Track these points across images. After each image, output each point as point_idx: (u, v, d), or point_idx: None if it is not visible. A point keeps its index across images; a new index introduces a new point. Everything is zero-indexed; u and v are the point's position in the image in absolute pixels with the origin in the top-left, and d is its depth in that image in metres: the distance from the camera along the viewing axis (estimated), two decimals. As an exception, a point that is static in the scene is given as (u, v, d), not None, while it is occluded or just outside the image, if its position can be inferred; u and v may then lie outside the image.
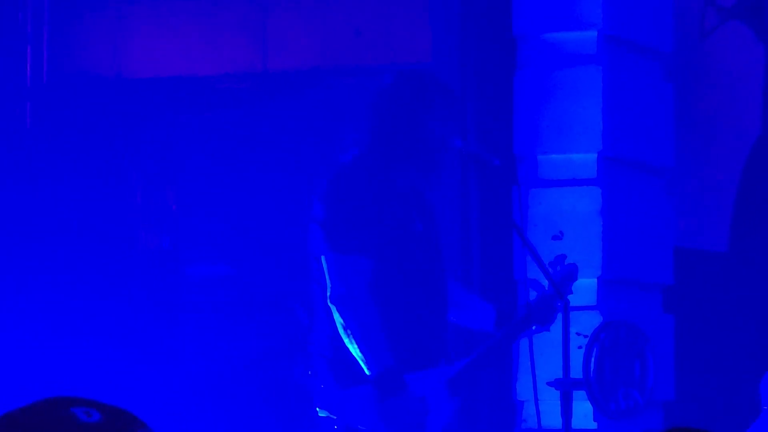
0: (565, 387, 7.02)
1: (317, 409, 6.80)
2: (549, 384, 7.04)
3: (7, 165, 8.35)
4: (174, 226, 8.38)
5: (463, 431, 7.21)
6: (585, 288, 7.33)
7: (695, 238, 8.70)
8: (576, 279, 7.06)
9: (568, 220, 8.04)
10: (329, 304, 6.72)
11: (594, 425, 7.76)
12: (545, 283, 6.95)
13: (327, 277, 6.74)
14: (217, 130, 8.49)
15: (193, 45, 8.80)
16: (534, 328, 6.97)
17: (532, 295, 7.05)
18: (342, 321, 6.66)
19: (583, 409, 7.30)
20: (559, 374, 6.98)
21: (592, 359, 7.10)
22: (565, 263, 7.00)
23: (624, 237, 8.04)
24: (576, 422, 7.12)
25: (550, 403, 7.07)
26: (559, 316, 6.93)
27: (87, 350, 7.84)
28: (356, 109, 7.19)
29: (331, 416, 6.79)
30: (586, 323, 7.50)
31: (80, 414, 2.21)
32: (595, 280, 7.79)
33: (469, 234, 7.61)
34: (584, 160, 8.06)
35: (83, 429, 2.19)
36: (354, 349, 6.66)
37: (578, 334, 7.18)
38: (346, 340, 6.65)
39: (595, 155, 8.04)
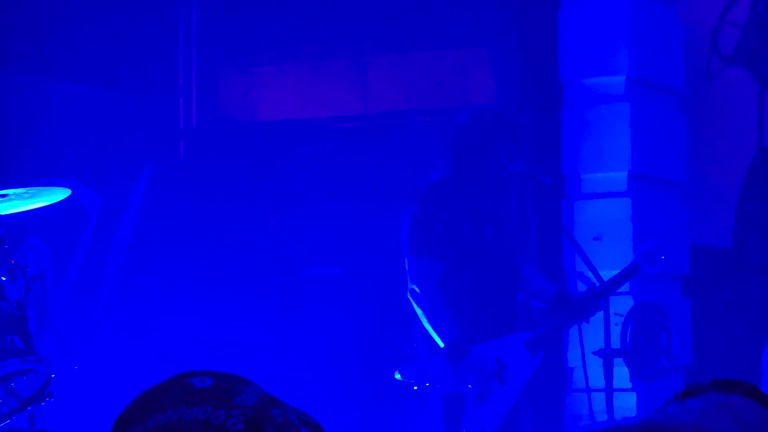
0: (607, 355, 7.03)
1: (396, 374, 6.86)
2: (594, 353, 7.05)
3: (166, 192, 8.36)
4: (295, 238, 8.37)
5: (542, 386, 7.22)
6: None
7: (706, 237, 8.66)
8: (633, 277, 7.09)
9: (606, 225, 8.02)
10: (408, 296, 6.80)
11: (629, 385, 7.74)
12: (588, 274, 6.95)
13: (407, 275, 6.78)
14: (328, 160, 8.48)
15: (308, 93, 8.82)
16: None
17: (581, 286, 7.10)
18: (418, 310, 6.71)
19: (621, 373, 7.26)
20: (602, 345, 6.99)
21: (628, 333, 7.23)
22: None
23: (650, 237, 8.00)
24: (616, 383, 7.08)
25: (595, 368, 7.06)
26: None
27: (232, 333, 7.84)
28: (438, 141, 7.18)
29: (412, 381, 6.83)
30: (622, 305, 7.40)
31: (196, 382, 2.12)
32: (628, 271, 7.79)
33: (528, 236, 7.56)
34: (617, 177, 8.05)
35: (197, 393, 2.10)
36: (429, 330, 6.72)
37: (615, 314, 7.11)
38: (424, 323, 6.73)
39: (626, 173, 8.01)
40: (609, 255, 7.43)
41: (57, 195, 5.90)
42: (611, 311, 6.94)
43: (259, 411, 2.10)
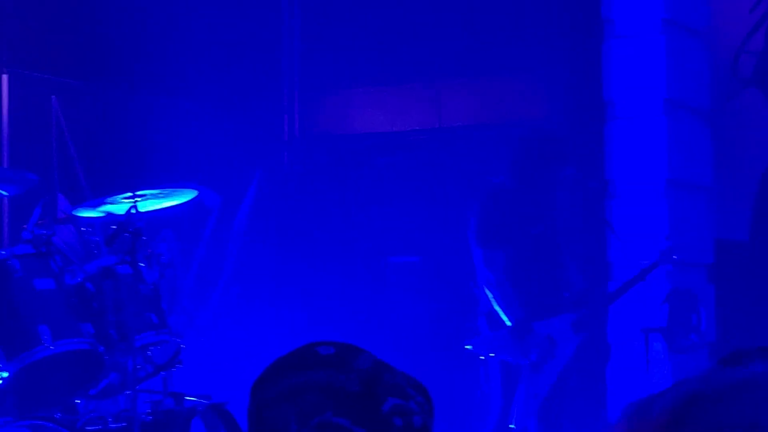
0: (647, 332, 6.97)
1: (466, 346, 6.90)
2: (641, 330, 7.13)
3: (273, 193, 8.39)
4: (382, 232, 8.38)
5: (585, 359, 7.22)
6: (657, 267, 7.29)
7: (727, 231, 8.61)
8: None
9: (644, 222, 7.96)
10: (479, 281, 6.83)
11: (665, 357, 7.70)
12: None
13: (476, 264, 6.80)
14: (408, 166, 8.49)
15: (392, 110, 8.83)
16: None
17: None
18: (488, 291, 6.72)
19: (658, 347, 7.26)
20: (642, 323, 7.00)
21: (665, 312, 7.17)
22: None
23: (683, 231, 7.99)
24: (653, 356, 7.08)
25: (635, 343, 7.07)
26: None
27: (329, 311, 7.87)
28: (499, 151, 7.19)
29: (479, 352, 6.86)
30: (659, 291, 7.43)
31: (321, 350, 2.17)
32: (664, 261, 7.78)
33: (573, 232, 7.57)
34: (656, 181, 7.98)
35: (322, 359, 2.14)
36: (498, 310, 6.73)
37: None
38: (493, 304, 6.74)
39: (663, 178, 7.96)
40: (648, 247, 7.41)
41: (185, 195, 5.92)
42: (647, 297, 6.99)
43: (372, 374, 2.15)
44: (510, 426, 6.82)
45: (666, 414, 1.36)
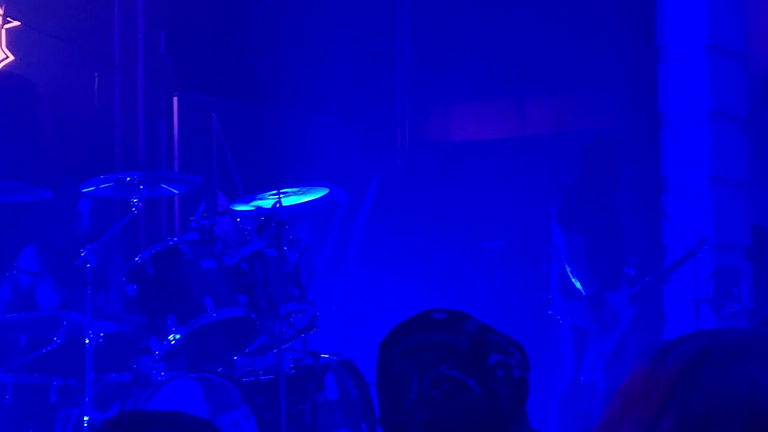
0: (696, 302, 6.88)
1: (549, 311, 6.86)
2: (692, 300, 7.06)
3: (389, 191, 8.39)
4: (476, 221, 8.34)
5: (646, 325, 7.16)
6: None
7: (761, 218, 8.49)
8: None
9: (691, 212, 7.85)
10: (562, 259, 6.76)
11: (710, 324, 7.62)
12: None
13: (558, 245, 6.75)
14: (498, 166, 8.45)
15: (484, 121, 8.83)
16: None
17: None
18: (568, 267, 6.66)
19: (705, 315, 7.17)
20: (693, 295, 6.94)
21: (711, 286, 7.09)
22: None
23: (724, 218, 7.89)
24: (701, 323, 7.01)
25: (685, 312, 7.00)
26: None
27: (434, 287, 7.85)
28: (571, 154, 7.13)
29: (557, 316, 6.83)
30: (706, 268, 7.33)
31: (435, 315, 2.16)
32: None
33: (636, 218, 7.49)
34: (701, 178, 7.88)
35: (436, 323, 2.14)
36: (576, 282, 6.67)
37: None
38: (571, 277, 6.68)
39: (707, 175, 7.88)
40: (695, 233, 7.36)
41: (319, 193, 5.96)
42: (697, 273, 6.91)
43: (478, 335, 2.14)
44: (581, 379, 6.77)
45: (679, 364, 1.28)
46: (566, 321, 6.84)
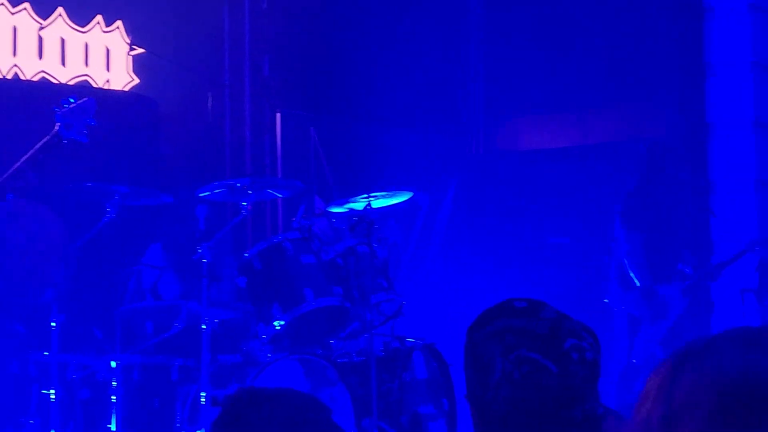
0: (743, 292, 6.81)
1: (605, 300, 6.78)
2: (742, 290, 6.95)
3: (466, 195, 8.34)
4: (543, 219, 8.24)
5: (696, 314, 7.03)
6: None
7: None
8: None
9: (738, 212, 7.72)
10: (621, 254, 6.68)
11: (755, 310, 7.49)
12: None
13: (618, 241, 6.68)
14: (563, 172, 8.36)
15: (549, 130, 8.75)
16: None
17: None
18: (626, 261, 6.59)
19: (751, 305, 7.04)
20: (740, 285, 6.82)
21: (757, 278, 6.96)
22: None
23: (767, 218, 7.76)
24: (746, 312, 6.87)
25: (734, 301, 6.88)
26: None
27: (504, 281, 7.78)
28: (630, 159, 7.04)
29: (614, 305, 6.76)
30: (752, 262, 7.18)
31: (516, 303, 2.15)
32: (753, 240, 7.53)
33: (688, 217, 7.38)
34: (746, 181, 7.76)
35: (517, 310, 2.13)
36: (631, 275, 6.59)
37: None
38: (627, 270, 6.61)
39: (752, 179, 7.76)
40: (742, 231, 7.22)
41: (404, 196, 5.95)
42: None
43: (555, 321, 2.12)
44: (632, 360, 6.70)
45: (666, 368, 1.33)
46: (622, 309, 6.78)
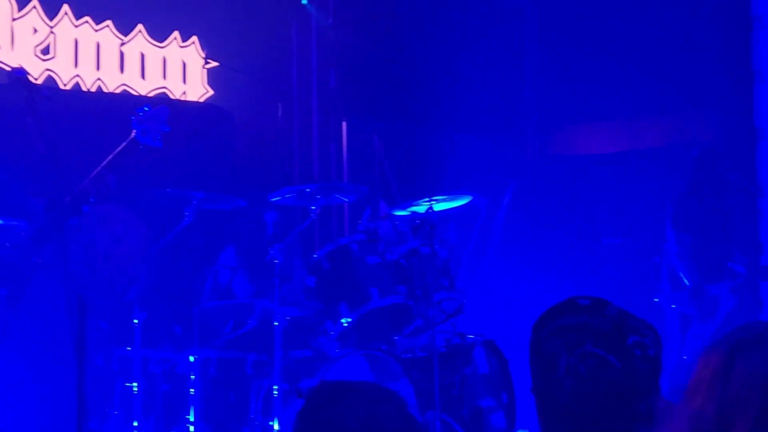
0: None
1: (656, 299, 6.70)
2: None
3: (522, 199, 8.28)
4: (597, 221, 8.16)
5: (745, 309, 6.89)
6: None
7: None
8: None
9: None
10: (672, 255, 6.61)
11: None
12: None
13: (670, 242, 6.61)
14: (613, 177, 8.26)
15: (602, 137, 8.67)
16: None
17: None
18: (676, 262, 6.51)
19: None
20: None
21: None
22: None
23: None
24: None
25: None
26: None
27: (564, 277, 7.70)
28: (682, 165, 6.94)
29: (664, 303, 6.67)
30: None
31: (580, 301, 2.14)
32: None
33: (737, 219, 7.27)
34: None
35: (581, 307, 2.13)
36: (682, 276, 6.51)
37: None
38: (678, 270, 6.52)
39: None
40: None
41: (463, 199, 5.94)
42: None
43: (618, 318, 2.09)
44: (683, 357, 6.60)
45: (718, 360, 1.27)
46: (672, 308, 6.69)
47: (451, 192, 5.89)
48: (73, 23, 6.87)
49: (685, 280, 6.56)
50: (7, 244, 4.62)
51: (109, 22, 7.02)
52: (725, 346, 1.31)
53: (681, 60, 8.09)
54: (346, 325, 5.31)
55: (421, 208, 5.71)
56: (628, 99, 8.36)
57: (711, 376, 1.29)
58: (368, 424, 1.84)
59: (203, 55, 7.30)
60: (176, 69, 7.28)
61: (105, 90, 6.94)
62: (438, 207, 5.74)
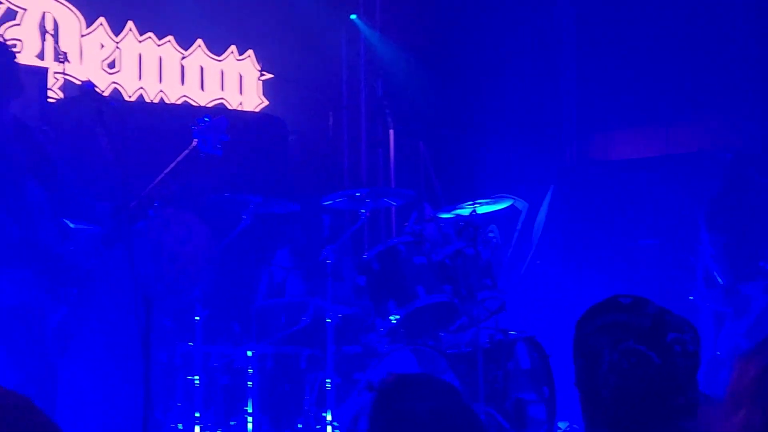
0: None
1: (690, 297, 6.63)
2: None
3: (561, 202, 8.21)
4: (635, 222, 8.09)
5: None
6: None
7: None
8: None
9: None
10: (706, 255, 6.53)
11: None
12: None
13: (704, 243, 6.53)
14: (648, 181, 8.18)
15: (636, 142, 8.61)
16: None
17: None
18: (710, 261, 6.44)
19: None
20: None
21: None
22: None
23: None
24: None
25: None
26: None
27: (600, 277, 7.63)
28: (716, 168, 6.87)
29: (699, 302, 6.61)
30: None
31: (622, 299, 2.14)
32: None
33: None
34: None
35: (623, 306, 2.14)
36: (716, 275, 6.44)
37: None
38: (712, 269, 6.46)
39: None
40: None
41: (505, 202, 5.92)
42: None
43: (658, 316, 2.09)
44: (717, 353, 6.54)
45: (759, 367, 1.24)
46: (706, 306, 6.63)
47: (494, 195, 5.87)
48: (137, 39, 6.98)
49: (719, 279, 6.51)
50: (78, 247, 4.71)
51: (170, 38, 7.12)
52: (762, 355, 1.29)
53: (716, 67, 8.02)
54: (394, 321, 5.33)
55: (464, 210, 5.71)
56: (664, 105, 8.31)
57: (752, 385, 1.26)
58: (437, 414, 1.89)
59: (259, 68, 7.37)
60: (233, 81, 7.37)
61: (167, 101, 7.04)
62: (481, 210, 5.72)
